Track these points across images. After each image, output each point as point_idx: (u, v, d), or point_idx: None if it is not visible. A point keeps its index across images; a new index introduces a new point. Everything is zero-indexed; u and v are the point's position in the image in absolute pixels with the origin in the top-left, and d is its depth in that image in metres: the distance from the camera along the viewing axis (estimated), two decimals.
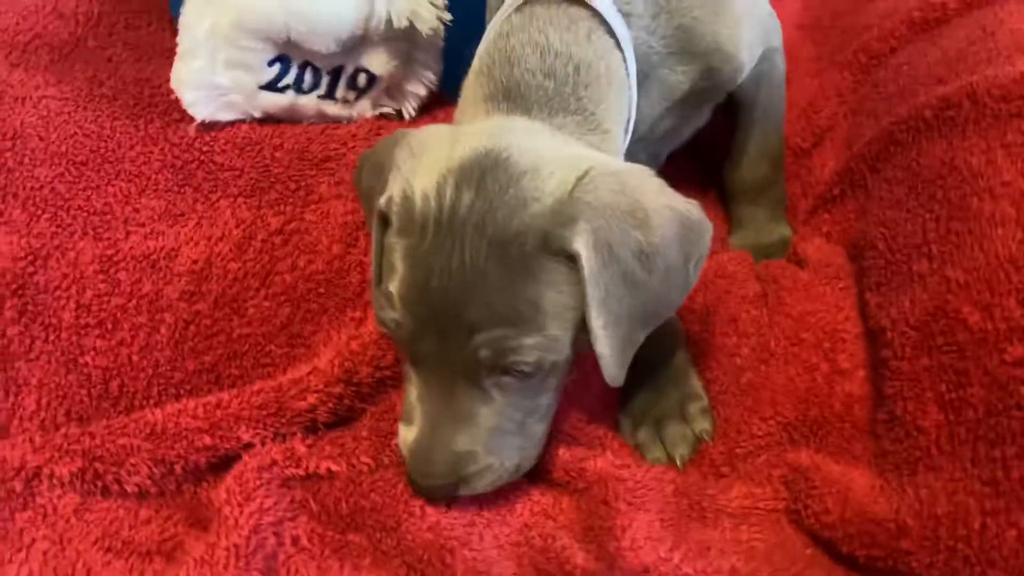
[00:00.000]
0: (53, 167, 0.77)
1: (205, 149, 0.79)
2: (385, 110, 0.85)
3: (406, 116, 0.85)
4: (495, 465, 0.61)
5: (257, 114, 0.81)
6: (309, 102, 0.81)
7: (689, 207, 0.62)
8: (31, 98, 0.83)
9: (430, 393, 0.60)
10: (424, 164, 0.60)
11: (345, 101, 0.82)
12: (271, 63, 0.78)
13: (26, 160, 0.77)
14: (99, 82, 0.87)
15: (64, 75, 0.87)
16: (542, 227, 0.57)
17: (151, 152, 0.79)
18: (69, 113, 0.82)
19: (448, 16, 0.80)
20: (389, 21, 0.76)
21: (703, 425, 0.70)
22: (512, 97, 0.63)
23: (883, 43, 0.93)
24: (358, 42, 0.78)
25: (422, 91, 0.84)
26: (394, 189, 0.60)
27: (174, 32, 1.00)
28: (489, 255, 0.56)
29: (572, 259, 0.57)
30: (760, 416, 0.69)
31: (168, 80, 0.83)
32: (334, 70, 0.80)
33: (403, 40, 0.80)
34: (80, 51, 0.93)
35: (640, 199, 0.59)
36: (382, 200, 0.60)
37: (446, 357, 0.58)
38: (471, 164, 0.57)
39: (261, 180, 0.77)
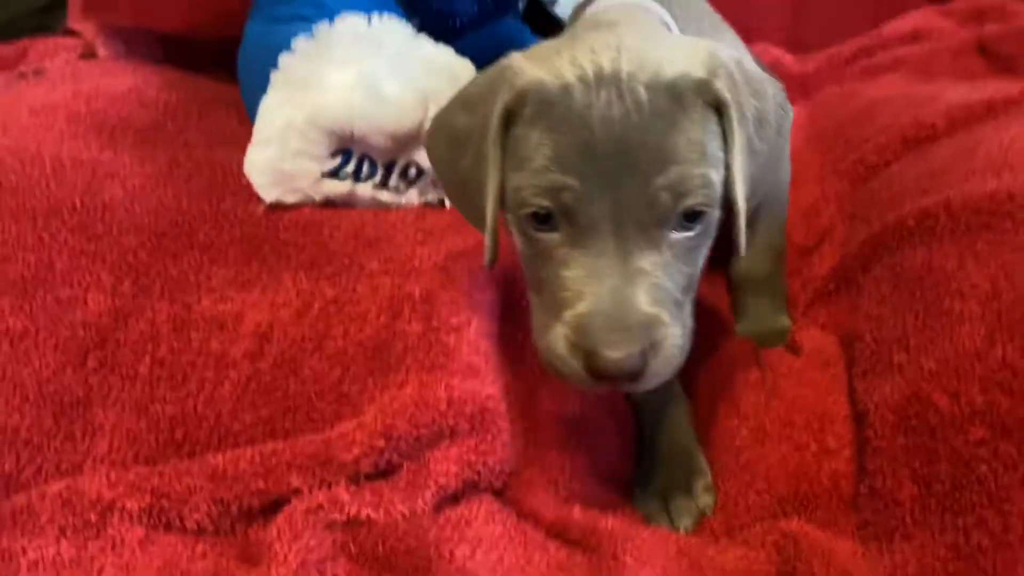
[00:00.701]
0: (137, 236, 0.87)
1: (271, 227, 0.89)
2: (430, 198, 0.95)
3: (447, 205, 0.95)
4: (676, 334, 0.61)
5: (319, 198, 0.91)
6: (365, 190, 0.91)
7: (778, 84, 0.70)
8: (119, 175, 0.93)
9: (603, 260, 0.59)
10: (548, 60, 0.62)
11: (396, 190, 0.92)
12: (334, 155, 0.88)
13: (114, 230, 0.87)
14: (177, 163, 0.98)
15: (147, 156, 0.99)
16: (693, 76, 0.60)
17: (223, 227, 0.90)
18: (151, 189, 0.92)
19: None
20: None
21: (707, 501, 0.77)
22: None
23: (879, 156, 1.02)
24: (411, 140, 0.88)
25: None
26: (520, 85, 0.61)
27: (241, 122, 1.12)
28: (649, 101, 0.58)
29: (717, 111, 0.61)
30: (756, 490, 0.77)
31: (237, 163, 0.94)
32: (388, 163, 0.90)
33: None
34: (160, 135, 1.05)
35: (752, 73, 0.65)
36: (506, 98, 0.61)
37: (620, 213, 0.58)
38: (602, 41, 0.61)
39: (319, 256, 0.87)
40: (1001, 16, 1.32)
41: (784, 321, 0.95)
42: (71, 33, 1.35)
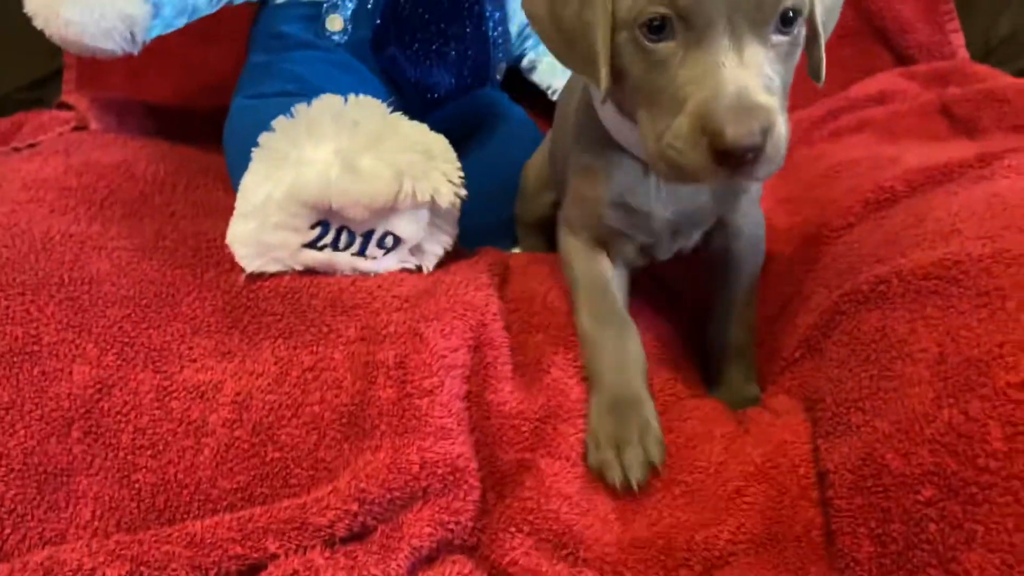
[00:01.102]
0: (122, 308, 0.89)
1: (252, 296, 0.92)
2: (407, 265, 0.98)
3: (424, 271, 0.98)
4: (783, 122, 0.68)
5: (299, 267, 0.94)
6: (344, 258, 0.94)
7: None
8: (107, 248, 0.97)
9: (721, 55, 0.66)
10: None
11: (374, 258, 0.95)
12: (313, 226, 0.92)
13: (99, 302, 0.89)
14: (163, 235, 1.02)
15: (134, 228, 1.02)
16: None
17: (206, 297, 0.93)
18: (137, 262, 0.95)
19: (464, 192, 0.95)
20: (414, 196, 0.91)
21: (658, 454, 0.80)
22: None
23: (842, 218, 1.06)
24: (388, 211, 0.92)
25: (440, 251, 0.98)
26: None
27: (227, 191, 1.16)
28: None
29: None
30: (729, 528, 0.77)
31: (221, 234, 0.97)
32: (366, 232, 0.93)
33: (426, 209, 0.94)
34: (148, 207, 1.08)
35: None
36: None
37: (733, 13, 0.66)
38: None
39: (298, 323, 0.90)
40: (962, 78, 1.37)
41: (754, 390, 0.97)
42: (65, 106, 1.40)
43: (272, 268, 0.94)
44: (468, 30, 1.20)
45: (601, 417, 0.83)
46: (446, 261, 1.01)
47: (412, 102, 1.21)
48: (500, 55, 1.34)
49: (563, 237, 0.97)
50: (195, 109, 1.51)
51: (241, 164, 0.99)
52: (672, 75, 0.68)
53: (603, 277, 0.93)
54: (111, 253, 0.96)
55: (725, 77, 0.65)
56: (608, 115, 0.86)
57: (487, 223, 1.31)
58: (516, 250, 1.34)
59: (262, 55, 1.21)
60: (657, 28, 0.69)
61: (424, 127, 0.96)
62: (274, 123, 0.91)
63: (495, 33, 1.30)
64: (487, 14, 1.24)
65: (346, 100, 0.92)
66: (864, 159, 1.20)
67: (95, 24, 1.08)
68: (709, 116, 0.64)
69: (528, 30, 1.46)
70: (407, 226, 0.94)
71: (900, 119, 1.32)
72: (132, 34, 1.12)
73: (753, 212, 0.97)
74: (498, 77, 1.35)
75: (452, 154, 0.95)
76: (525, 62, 1.48)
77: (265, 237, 0.91)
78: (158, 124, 1.41)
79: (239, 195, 0.92)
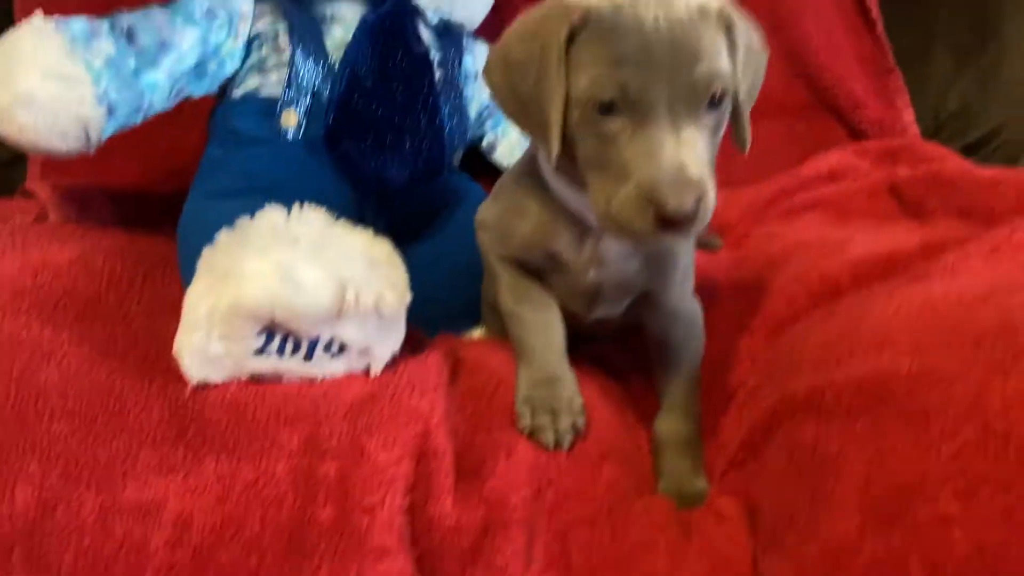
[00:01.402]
0: (68, 422, 0.89)
1: (197, 407, 0.92)
2: (356, 369, 0.99)
3: (372, 374, 0.99)
4: (713, 191, 0.79)
5: (245, 375, 0.95)
6: (291, 365, 0.95)
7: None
8: (56, 355, 0.97)
9: (660, 135, 0.77)
10: None
11: (320, 363, 0.96)
12: (258, 335, 0.92)
13: (46, 416, 0.89)
14: (114, 339, 1.02)
15: (85, 332, 1.02)
16: (714, 5, 0.80)
17: (152, 408, 0.93)
18: (87, 371, 0.95)
19: (408, 297, 0.96)
20: (358, 304, 0.91)
21: (582, 424, 0.94)
22: None
23: (787, 309, 1.07)
24: (333, 319, 0.93)
25: (387, 354, 0.98)
26: (580, 10, 0.79)
27: (181, 291, 1.17)
28: (687, 15, 0.77)
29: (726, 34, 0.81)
30: None
31: (173, 333, 0.98)
32: (312, 340, 0.94)
33: (372, 314, 0.95)
34: (102, 308, 1.08)
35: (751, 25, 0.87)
36: (573, 17, 0.79)
37: (672, 98, 0.77)
38: None
39: (242, 435, 0.89)
40: (911, 157, 1.40)
41: (702, 483, 0.97)
42: (28, 195, 1.41)
43: (218, 377, 0.94)
44: (423, 123, 1.22)
45: (534, 388, 0.95)
46: (395, 363, 1.01)
47: (368, 195, 1.23)
48: (456, 142, 1.35)
49: (491, 261, 1.07)
50: (159, 193, 1.52)
51: (190, 267, 1.00)
52: (619, 149, 0.79)
53: (529, 279, 1.02)
54: (60, 361, 0.97)
55: (666, 155, 0.76)
56: (551, 174, 0.94)
57: (449, 306, 1.32)
58: (477, 331, 1.35)
59: (218, 149, 1.23)
60: (607, 108, 0.79)
61: (367, 233, 0.97)
62: (216, 238, 0.92)
63: (451, 123, 1.32)
64: (441, 105, 1.26)
65: (289, 211, 0.94)
66: (813, 242, 1.22)
67: (48, 128, 1.09)
68: (653, 189, 0.76)
69: (488, 111, 1.48)
70: (353, 332, 0.94)
71: (851, 198, 1.34)
72: (87, 134, 1.13)
73: (688, 298, 1.04)
74: (455, 162, 1.37)
75: (397, 259, 0.97)
76: (485, 143, 1.50)
77: (211, 348, 0.92)
78: (120, 212, 1.42)
79: (184, 307, 0.92)
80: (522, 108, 0.87)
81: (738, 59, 0.82)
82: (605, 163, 0.81)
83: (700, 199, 0.76)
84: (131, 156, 1.55)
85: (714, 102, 0.80)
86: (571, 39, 0.80)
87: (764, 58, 0.90)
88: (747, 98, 0.86)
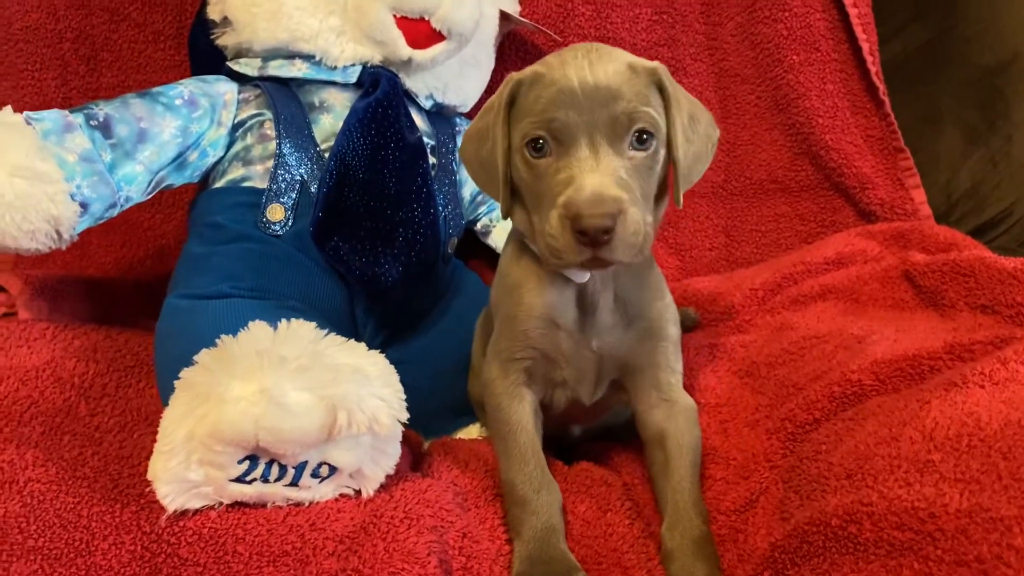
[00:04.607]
0: (28, 563, 0.81)
1: (172, 541, 0.84)
2: (346, 491, 0.91)
3: (364, 496, 0.91)
4: (636, 211, 0.84)
5: (227, 501, 0.87)
6: (275, 490, 0.87)
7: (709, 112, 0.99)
8: (18, 482, 0.89)
9: (582, 163, 0.84)
10: (538, 64, 0.91)
11: (308, 487, 0.88)
12: (241, 461, 0.85)
13: (4, 555, 0.81)
14: (83, 460, 0.94)
15: (52, 452, 0.94)
16: (644, 65, 0.90)
17: (123, 543, 0.84)
18: (51, 499, 0.87)
19: (405, 415, 0.89)
20: (351, 426, 0.84)
21: None
22: None
23: (807, 412, 1.00)
24: (323, 443, 0.85)
25: (381, 476, 0.91)
26: (517, 76, 0.90)
27: (158, 398, 1.09)
28: (612, 68, 0.86)
29: (661, 93, 0.90)
30: None
31: (147, 452, 0.90)
32: (299, 464, 0.86)
33: (365, 436, 0.88)
34: (71, 421, 1.01)
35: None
36: (510, 84, 0.91)
37: (594, 129, 0.84)
38: (576, 46, 0.90)
39: None
40: (924, 241, 1.35)
41: None
42: None
43: (196, 504, 0.86)
44: (417, 214, 1.16)
45: (531, 566, 0.88)
46: (390, 485, 0.93)
47: (359, 291, 1.16)
48: (451, 231, 1.29)
49: (489, 378, 1.02)
50: (137, 280, 1.45)
51: (167, 378, 0.92)
52: (549, 182, 0.87)
53: (529, 427, 0.99)
54: (23, 488, 0.89)
55: (584, 178, 0.83)
56: (530, 239, 0.97)
57: (442, 401, 1.25)
58: (475, 427, 1.28)
59: (197, 245, 1.16)
60: (539, 148, 0.87)
61: (360, 347, 0.90)
62: (197, 357, 0.85)
63: (446, 211, 1.26)
64: (436, 194, 1.20)
65: (275, 328, 0.87)
66: (829, 336, 1.16)
67: (16, 227, 1.02)
68: (569, 206, 0.82)
69: (482, 196, 1.42)
70: (344, 455, 0.87)
71: (863, 285, 1.29)
72: (58, 233, 1.06)
73: (681, 386, 1.04)
74: (449, 251, 1.30)
75: (392, 374, 0.90)
76: (479, 226, 1.45)
77: (189, 474, 0.84)
78: (94, 305, 1.35)
79: (160, 430, 0.85)
80: (485, 172, 0.96)
81: (673, 115, 0.89)
82: (540, 197, 0.88)
83: (618, 216, 0.81)
84: (109, 238, 1.48)
85: (642, 140, 0.87)
86: (513, 102, 0.91)
87: (714, 134, 0.97)
88: (690, 161, 0.93)
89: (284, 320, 0.88)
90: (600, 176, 0.83)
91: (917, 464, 0.78)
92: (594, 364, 0.99)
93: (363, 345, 0.90)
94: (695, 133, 0.93)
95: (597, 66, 0.86)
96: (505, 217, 0.96)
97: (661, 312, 1.00)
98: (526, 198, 0.93)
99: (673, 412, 1.00)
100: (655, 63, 0.92)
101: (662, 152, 0.90)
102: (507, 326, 1.00)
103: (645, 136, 0.87)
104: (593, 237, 0.81)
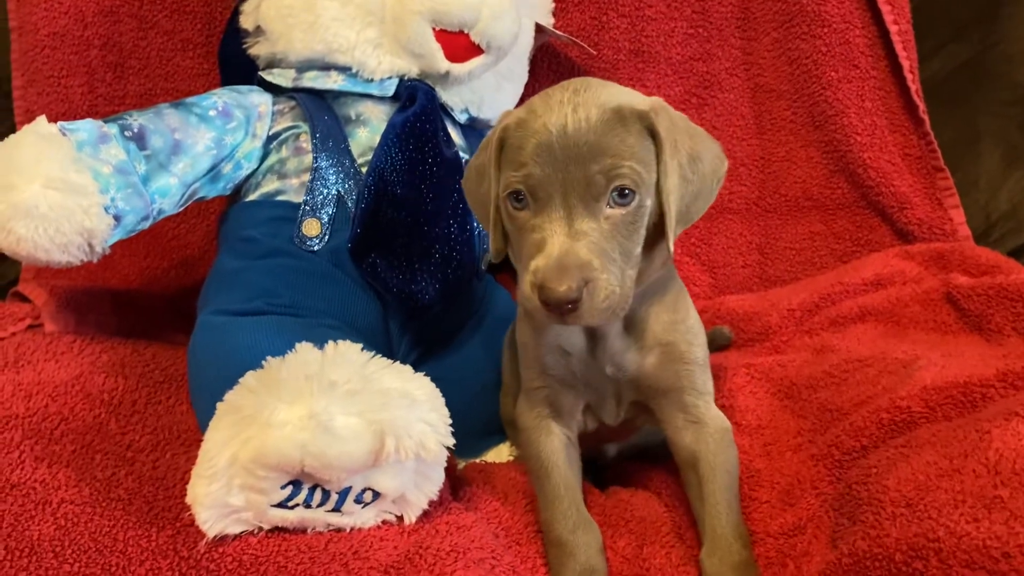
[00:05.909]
0: None
1: (212, 568, 0.81)
2: (388, 517, 0.89)
3: (407, 522, 0.88)
4: (607, 279, 0.80)
5: (267, 526, 0.84)
6: (317, 516, 0.85)
7: (717, 143, 0.92)
8: (51, 503, 0.87)
9: (554, 224, 0.81)
10: (527, 105, 0.87)
11: (351, 513, 0.86)
12: (284, 486, 0.82)
13: None
14: (117, 481, 0.92)
15: (84, 473, 0.92)
16: (635, 108, 0.84)
17: (160, 568, 0.82)
18: (85, 523, 0.85)
19: (451, 440, 0.86)
20: (398, 452, 0.82)
21: None
22: None
23: (855, 440, 0.98)
24: (368, 468, 0.83)
25: (425, 502, 0.88)
26: (506, 121, 0.87)
27: (191, 408, 1.07)
28: (596, 117, 0.82)
29: (654, 137, 0.84)
30: None
31: (183, 477, 0.88)
32: (343, 490, 0.84)
33: (411, 461, 0.85)
34: (102, 439, 0.98)
35: (692, 124, 0.90)
36: (499, 129, 0.88)
37: (569, 189, 0.81)
38: (569, 82, 0.87)
39: None
40: (965, 263, 1.33)
41: None
42: (20, 297, 1.31)
43: (236, 529, 0.84)
44: (454, 229, 1.14)
45: None
46: (433, 514, 0.91)
47: (394, 308, 1.14)
48: (485, 246, 1.27)
49: (519, 410, 1.02)
50: (162, 291, 1.43)
51: (203, 393, 0.90)
52: (526, 237, 0.84)
53: (560, 463, 0.97)
54: (56, 510, 0.86)
55: (553, 243, 0.81)
56: None
57: (475, 421, 1.23)
58: (505, 447, 1.26)
59: (230, 259, 1.13)
60: (519, 199, 0.85)
61: (407, 370, 0.88)
62: (242, 380, 0.83)
63: (480, 227, 1.24)
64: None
65: (321, 348, 0.84)
66: (872, 359, 1.14)
67: (49, 240, 1.00)
68: (535, 274, 0.80)
69: None
70: (389, 481, 0.85)
71: (904, 307, 1.26)
72: (90, 246, 1.04)
73: (712, 406, 0.99)
74: (483, 267, 1.28)
75: (438, 398, 0.87)
76: None
77: (230, 499, 0.82)
78: (120, 318, 1.33)
79: (201, 454, 0.83)
80: (481, 208, 0.94)
81: (666, 161, 0.84)
82: (520, 251, 0.87)
83: (584, 286, 0.79)
84: (133, 252, 1.45)
85: (623, 196, 0.83)
86: (504, 141, 0.88)
87: (722, 168, 0.92)
88: (687, 202, 0.88)
89: (332, 342, 0.86)
90: (571, 242, 0.80)
91: (984, 500, 0.76)
92: (612, 387, 0.97)
93: (409, 368, 0.88)
94: (696, 173, 0.88)
95: (580, 112, 0.82)
96: (496, 260, 0.95)
97: (682, 334, 0.96)
98: (512, 245, 0.91)
99: (703, 434, 0.97)
100: (651, 102, 0.86)
101: (649, 203, 0.85)
102: (524, 355, 1.00)
103: (627, 192, 0.82)
104: (557, 308, 0.79)
